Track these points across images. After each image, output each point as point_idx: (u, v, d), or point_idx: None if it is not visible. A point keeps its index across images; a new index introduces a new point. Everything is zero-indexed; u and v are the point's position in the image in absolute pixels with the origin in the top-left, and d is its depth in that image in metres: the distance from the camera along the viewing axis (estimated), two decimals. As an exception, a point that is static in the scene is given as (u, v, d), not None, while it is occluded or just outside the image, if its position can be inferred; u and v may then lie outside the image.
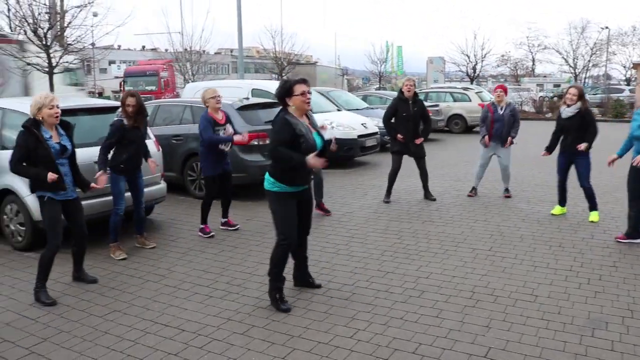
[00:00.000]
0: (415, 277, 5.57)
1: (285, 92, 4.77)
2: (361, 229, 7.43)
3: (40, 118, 5.09)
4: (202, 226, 7.27)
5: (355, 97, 18.35)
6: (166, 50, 35.29)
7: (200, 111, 9.57)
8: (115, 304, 5.06)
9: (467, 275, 5.62)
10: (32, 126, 5.06)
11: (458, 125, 21.22)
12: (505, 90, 9.39)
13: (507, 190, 9.37)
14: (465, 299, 5.03)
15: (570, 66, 51.45)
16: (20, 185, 6.43)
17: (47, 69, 13.98)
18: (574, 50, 51.22)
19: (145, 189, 7.22)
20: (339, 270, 5.81)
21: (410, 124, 8.84)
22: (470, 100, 21.23)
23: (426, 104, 19.28)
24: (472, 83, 38.79)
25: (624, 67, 53.08)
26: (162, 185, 7.69)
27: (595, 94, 38.08)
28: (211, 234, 7.21)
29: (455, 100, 21.72)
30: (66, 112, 6.42)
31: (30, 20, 14.37)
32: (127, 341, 4.32)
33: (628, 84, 45.14)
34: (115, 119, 6.43)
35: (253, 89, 13.27)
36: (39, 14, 14.94)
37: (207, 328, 4.52)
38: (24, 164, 5.12)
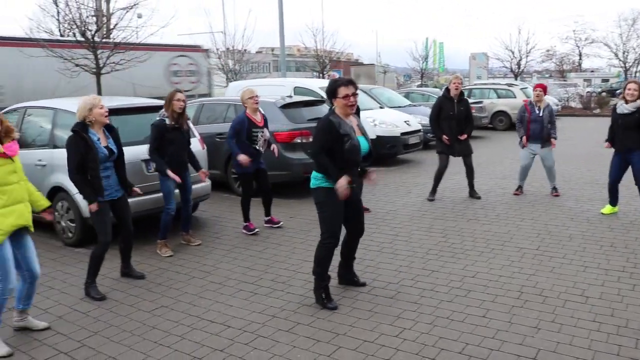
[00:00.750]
0: (461, 276, 5.50)
1: (332, 92, 4.78)
2: (405, 227, 7.37)
3: (92, 119, 5.20)
4: (245, 224, 7.34)
5: (397, 95, 18.22)
6: (210, 49, 35.80)
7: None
8: (162, 300, 5.15)
9: (515, 275, 5.51)
10: (81, 130, 5.16)
11: (502, 122, 20.85)
12: (544, 90, 9.10)
13: (554, 189, 9.13)
14: (512, 298, 4.93)
15: (620, 60, 49.87)
16: (70, 183, 6.60)
17: (94, 70, 14.33)
18: (624, 43, 49.64)
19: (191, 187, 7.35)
20: (383, 268, 5.78)
21: (454, 122, 8.70)
22: (514, 97, 20.83)
23: (470, 100, 19.15)
24: (516, 79, 38.04)
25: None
26: (207, 183, 7.78)
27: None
28: (255, 230, 7.27)
29: (499, 97, 21.35)
30: (112, 111, 6.59)
31: (79, 23, 14.77)
32: (174, 336, 4.39)
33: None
34: (158, 118, 6.50)
35: (295, 87, 13.30)
36: (87, 16, 15.35)
37: (252, 325, 4.55)
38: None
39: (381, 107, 14.25)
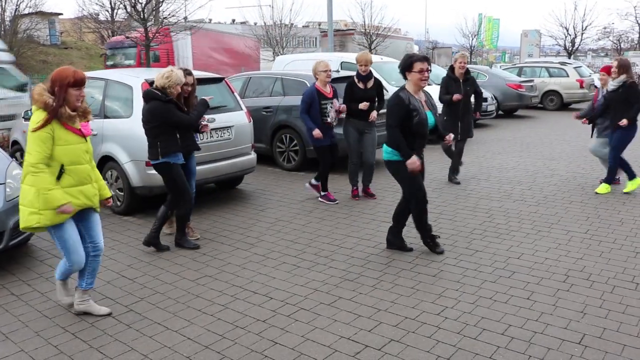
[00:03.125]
0: (505, 257, 5.42)
1: (407, 66, 5.08)
2: (450, 205, 7.29)
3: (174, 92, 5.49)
4: (323, 193, 7.52)
5: (445, 71, 17.88)
6: (255, 23, 35.79)
7: (291, 83, 9.72)
8: (206, 269, 5.25)
9: (561, 258, 5.39)
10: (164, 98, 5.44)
11: (553, 101, 20.28)
12: (609, 72, 8.23)
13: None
14: (558, 282, 4.84)
15: (683, 38, 47.60)
16: (119, 152, 6.78)
17: (143, 43, 14.56)
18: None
19: (236, 159, 7.43)
20: (424, 247, 5.73)
21: (460, 103, 8.18)
22: (567, 76, 20.21)
23: (520, 79, 18.61)
24: (569, 57, 36.84)
25: None
26: (252, 156, 7.84)
27: None
28: (335, 201, 7.47)
29: (551, 76, 20.72)
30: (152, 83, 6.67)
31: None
32: (217, 305, 4.48)
33: None
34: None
35: (342, 62, 13.23)
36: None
37: (294, 297, 4.60)
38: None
39: (428, 84, 14.00)
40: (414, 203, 5.34)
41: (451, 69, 8.47)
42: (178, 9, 17.25)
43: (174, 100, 5.53)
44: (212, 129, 6.80)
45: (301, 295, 4.65)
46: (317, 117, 7.16)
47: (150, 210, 6.09)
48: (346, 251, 5.64)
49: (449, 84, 8.30)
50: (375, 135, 7.64)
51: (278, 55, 25.44)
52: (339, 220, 6.68)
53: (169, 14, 16.63)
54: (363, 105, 7.23)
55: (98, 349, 3.84)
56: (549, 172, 9.23)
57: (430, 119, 5.15)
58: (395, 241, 5.62)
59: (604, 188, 7.85)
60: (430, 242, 5.50)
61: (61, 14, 35.93)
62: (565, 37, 39.85)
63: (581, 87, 19.87)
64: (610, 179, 7.89)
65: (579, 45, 41.45)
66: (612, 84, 7.51)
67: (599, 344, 3.81)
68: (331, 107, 7.18)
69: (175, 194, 5.66)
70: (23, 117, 8.81)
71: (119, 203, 7.04)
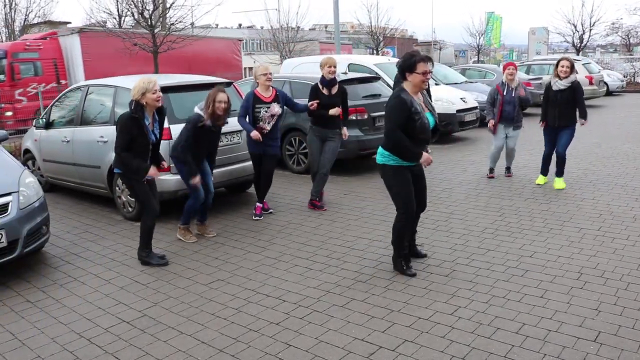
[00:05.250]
0: (518, 256, 5.40)
1: (408, 67, 4.74)
2: (461, 205, 7.28)
3: (144, 103, 5.28)
4: (259, 204, 7.17)
5: (453, 71, 17.86)
6: (262, 27, 35.93)
7: (299, 86, 9.74)
8: (218, 274, 5.26)
9: (574, 256, 5.36)
10: (138, 114, 5.26)
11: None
12: (516, 68, 8.71)
13: (508, 169, 8.92)
14: (572, 280, 4.81)
15: (692, 33, 47.21)
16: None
17: (152, 49, 14.64)
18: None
19: (246, 163, 7.45)
20: (438, 246, 5.73)
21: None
22: (577, 73, 20.08)
23: (528, 77, 18.53)
24: (578, 54, 36.64)
25: None
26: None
27: None
28: (269, 210, 7.28)
29: (559, 73, 20.60)
30: (167, 89, 6.72)
31: (137, 2, 15.07)
32: (230, 309, 4.49)
33: None
34: (197, 112, 6.14)
35: (350, 63, 13.24)
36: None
37: (307, 299, 4.61)
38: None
39: (437, 84, 14.01)
40: (399, 214, 5.01)
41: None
42: (185, 15, 17.32)
43: (138, 118, 5.26)
44: (222, 133, 6.81)
45: (314, 297, 4.65)
46: (251, 121, 6.86)
47: (162, 216, 6.12)
48: (358, 253, 5.64)
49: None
50: (338, 145, 7.44)
51: (285, 58, 25.50)
52: (350, 222, 6.68)
53: (176, 20, 16.72)
54: (334, 111, 7.08)
55: (113, 354, 3.86)
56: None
57: (431, 121, 4.90)
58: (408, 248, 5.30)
59: (560, 183, 7.99)
60: (404, 263, 5.12)
61: (69, 22, 36.20)
62: (573, 33, 39.65)
63: (590, 83, 19.72)
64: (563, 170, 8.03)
65: (588, 41, 41.23)
66: (562, 83, 7.55)
67: (615, 342, 3.79)
68: (265, 112, 6.85)
69: (140, 204, 5.58)
70: (34, 126, 8.89)
71: (130, 209, 7.08)
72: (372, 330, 4.05)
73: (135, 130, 5.27)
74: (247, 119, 6.90)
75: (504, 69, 8.80)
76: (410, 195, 4.94)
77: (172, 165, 6.54)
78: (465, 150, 11.50)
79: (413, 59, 4.71)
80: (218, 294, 4.80)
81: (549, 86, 7.81)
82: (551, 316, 4.17)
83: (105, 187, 7.36)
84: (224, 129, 6.59)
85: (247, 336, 4.04)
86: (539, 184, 8.16)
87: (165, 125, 6.04)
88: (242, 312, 4.44)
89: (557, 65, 7.74)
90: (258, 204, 7.17)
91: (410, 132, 4.70)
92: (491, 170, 8.96)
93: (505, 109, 8.47)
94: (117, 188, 7.19)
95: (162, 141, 5.79)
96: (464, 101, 12.75)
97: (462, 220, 6.62)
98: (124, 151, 5.31)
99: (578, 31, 39.38)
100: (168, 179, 6.64)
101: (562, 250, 5.51)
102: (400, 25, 43.49)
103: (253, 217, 7.09)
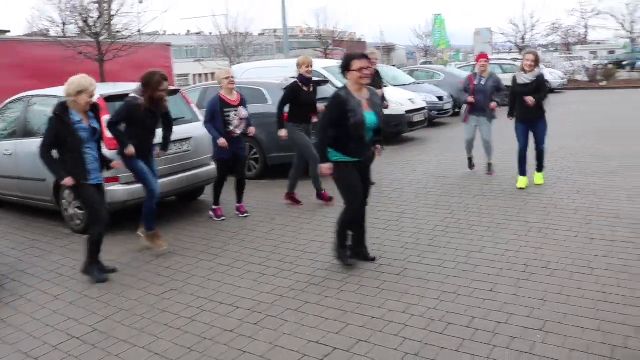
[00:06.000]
0: (467, 252, 5.51)
1: (345, 65, 4.95)
2: (411, 204, 7.39)
3: (73, 101, 5.11)
4: (214, 207, 7.27)
5: (402, 73, 18.13)
6: (211, 33, 35.66)
7: (247, 92, 9.69)
8: (171, 283, 5.20)
9: (521, 249, 5.52)
10: (62, 113, 5.11)
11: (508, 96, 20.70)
12: (487, 60, 9.03)
13: (489, 166, 9.03)
14: (519, 272, 4.95)
15: (627, 31, 49.23)
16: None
17: (97, 57, 14.34)
18: (631, 13, 48.92)
19: (196, 171, 7.39)
20: (390, 245, 5.80)
21: None
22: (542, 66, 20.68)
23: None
24: (521, 53, 37.69)
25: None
26: (213, 166, 7.79)
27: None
28: (222, 217, 7.21)
29: (504, 72, 21.18)
30: (111, 98, 6.61)
31: (80, 10, 14.76)
32: (184, 318, 4.44)
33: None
34: (131, 95, 5.94)
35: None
36: (88, 2, 15.34)
37: (261, 305, 4.60)
38: (54, 150, 5.20)
39: (385, 86, 14.17)
40: (346, 207, 5.16)
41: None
42: (131, 22, 17.05)
43: (63, 117, 5.10)
44: (172, 141, 6.73)
45: (267, 302, 4.64)
46: (220, 126, 6.90)
47: (112, 226, 5.99)
48: (311, 256, 5.66)
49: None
50: None
51: (234, 64, 25.39)
52: (303, 226, 6.70)
53: (122, 28, 16.48)
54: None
55: (63, 371, 3.77)
56: (505, 167, 9.41)
57: (371, 119, 4.96)
58: (357, 249, 5.42)
59: (540, 178, 8.16)
60: (345, 251, 5.32)
61: (9, 31, 35.09)
62: (516, 33, 40.82)
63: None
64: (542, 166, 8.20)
65: (529, 41, 42.49)
66: (527, 77, 7.72)
67: (560, 329, 3.91)
68: (235, 115, 6.93)
69: (87, 212, 5.40)
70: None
71: (78, 222, 6.92)
72: (326, 332, 4.07)
73: (61, 129, 5.10)
74: (216, 124, 6.94)
75: (477, 60, 9.11)
76: (356, 188, 5.09)
77: (121, 175, 6.43)
78: (415, 150, 11.69)
79: (349, 58, 4.92)
80: (171, 304, 4.73)
81: (514, 80, 7.97)
82: (500, 308, 4.28)
83: (52, 200, 7.17)
84: (172, 137, 6.52)
85: (201, 345, 4.00)
86: (521, 188, 7.91)
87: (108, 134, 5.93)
88: (196, 320, 4.40)
89: (523, 58, 8.02)
90: (214, 206, 7.25)
91: (344, 129, 4.87)
92: (470, 160, 9.16)
93: (477, 98, 8.73)
94: (63, 201, 7.01)
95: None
96: (412, 102, 12.95)
97: (413, 219, 6.72)
98: (47, 152, 5.15)
99: (520, 31, 40.57)
100: (116, 190, 6.52)
101: (510, 245, 5.66)
102: (349, 29, 43.88)
103: (214, 218, 7.18)
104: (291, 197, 7.76)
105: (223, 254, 5.90)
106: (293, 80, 8.96)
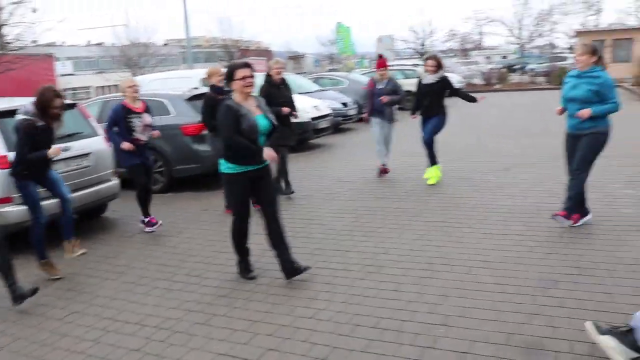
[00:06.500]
0: (372, 254, 5.66)
1: (229, 76, 4.98)
2: (318, 210, 7.49)
3: None
4: (145, 219, 7.13)
5: (307, 80, 18.33)
6: (113, 44, 34.58)
7: (150, 104, 9.46)
8: (73, 305, 4.98)
9: (423, 248, 5.73)
10: None
11: (411, 101, 21.25)
12: (386, 66, 9.31)
13: (383, 166, 9.36)
14: (422, 270, 5.14)
15: (516, 37, 52.33)
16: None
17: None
18: (519, 21, 52.09)
19: (97, 187, 7.15)
20: (297, 253, 5.79)
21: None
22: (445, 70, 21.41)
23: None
24: (421, 59, 39.11)
25: (567, 35, 54.37)
26: (115, 182, 7.57)
27: (542, 63, 39.05)
28: (159, 223, 7.13)
29: (406, 77, 21.87)
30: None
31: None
32: (87, 342, 4.27)
33: (571, 52, 46.21)
34: (21, 117, 5.55)
35: (203, 78, 13.10)
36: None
37: (168, 321, 4.50)
38: None
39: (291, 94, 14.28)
40: (233, 219, 5.20)
41: (268, 76, 8.11)
42: (24, 32, 16.19)
43: None
44: (68, 158, 6.49)
45: (175, 318, 4.56)
46: (124, 133, 6.80)
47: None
48: (218, 267, 5.61)
49: (270, 91, 7.87)
50: None
51: (137, 75, 24.73)
52: (209, 238, 6.63)
53: (13, 38, 15.61)
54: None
55: (-48, 408, 3.53)
56: (409, 168, 9.75)
57: (264, 123, 5.00)
58: (286, 265, 5.16)
59: (433, 172, 8.60)
60: (244, 266, 5.34)
61: None
62: (416, 40, 42.36)
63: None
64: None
65: (429, 47, 44.21)
66: (431, 78, 8.36)
67: (461, 322, 4.10)
68: (139, 122, 6.83)
69: None
70: None
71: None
72: (235, 343, 4.05)
73: None
74: (119, 132, 6.80)
75: (377, 67, 9.40)
76: (242, 201, 5.14)
77: (14, 195, 6.09)
78: (321, 157, 11.85)
79: (232, 68, 5.00)
80: (73, 328, 4.54)
81: (419, 81, 8.66)
82: (404, 307, 4.42)
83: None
84: (70, 153, 6.28)
85: (105, 367, 3.87)
86: (430, 183, 8.46)
87: (2, 152, 5.63)
88: (101, 342, 4.24)
89: (425, 62, 8.74)
90: (145, 218, 7.12)
91: (239, 134, 4.90)
92: (383, 165, 9.38)
93: (376, 101, 9.09)
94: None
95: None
96: (317, 109, 13.12)
97: (320, 225, 6.81)
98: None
99: (420, 38, 42.13)
100: (9, 211, 6.18)
101: (413, 244, 5.86)
102: (255, 37, 43.91)
103: (145, 230, 7.03)
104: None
105: (129, 272, 5.73)
106: (196, 90, 8.89)
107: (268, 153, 4.92)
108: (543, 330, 3.91)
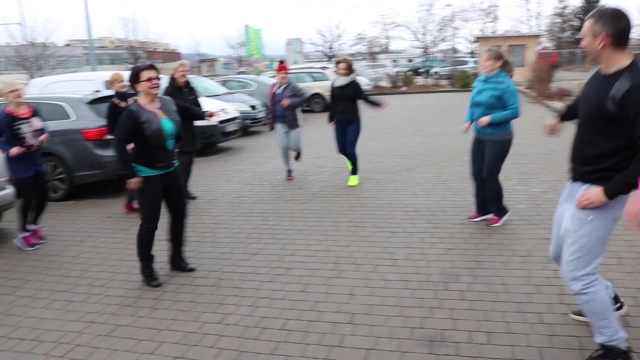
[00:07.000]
0: (280, 256, 5.67)
1: (134, 78, 4.93)
2: (226, 214, 7.42)
3: None
4: (22, 236, 6.64)
5: (214, 83, 18.10)
6: (7, 43, 32.66)
7: (47, 107, 9.03)
8: (-38, 324, 4.67)
9: (330, 248, 5.81)
10: None
11: (318, 104, 21.62)
12: (286, 71, 9.29)
13: (289, 172, 9.40)
14: (329, 270, 5.21)
15: (420, 41, 54.25)
16: None
17: None
18: (423, 26, 54.07)
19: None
20: (204, 257, 5.77)
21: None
22: (328, 79, 21.72)
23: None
24: (329, 62, 39.69)
25: (468, 40, 57.04)
26: (9, 190, 7.14)
27: (444, 67, 40.68)
28: (36, 244, 6.67)
29: (314, 80, 22.12)
30: None
31: None
32: (-22, 362, 4.03)
33: (472, 56, 48.47)
34: None
35: (106, 80, 12.65)
36: None
37: (68, 335, 4.31)
38: None
39: (197, 97, 14.06)
40: (142, 224, 5.15)
41: (172, 79, 8.03)
42: None
43: None
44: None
45: (76, 331, 4.37)
46: (12, 142, 6.35)
47: None
48: (123, 276, 5.43)
49: (173, 94, 7.66)
50: None
51: (34, 77, 23.51)
52: (113, 246, 6.41)
53: None
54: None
55: None
56: (317, 170, 9.87)
57: (169, 127, 5.00)
58: (174, 261, 5.50)
59: (354, 179, 8.69)
60: (149, 274, 5.24)
61: None
62: (324, 43, 42.89)
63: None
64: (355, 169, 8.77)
65: (337, 50, 44.91)
66: (342, 80, 8.40)
67: (367, 320, 4.19)
68: (28, 128, 6.44)
69: None
70: None
71: None
72: (140, 353, 3.94)
73: None
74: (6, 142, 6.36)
75: (277, 71, 9.30)
76: (154, 206, 5.10)
77: None
78: (230, 160, 11.74)
79: (136, 70, 4.96)
80: (-39, 349, 4.26)
81: (332, 85, 8.59)
82: (312, 308, 4.47)
83: None
84: None
85: (-2, 387, 3.66)
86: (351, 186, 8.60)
87: None
88: (-8, 362, 4.01)
89: (335, 66, 8.69)
90: (26, 233, 6.63)
91: (144, 140, 4.90)
92: (288, 172, 9.35)
93: (277, 107, 9.05)
94: None
95: None
96: (225, 112, 12.98)
97: (227, 228, 6.75)
98: None
99: (328, 41, 42.70)
100: None
101: (320, 245, 5.93)
102: (161, 39, 42.87)
103: (25, 248, 6.54)
104: (130, 207, 7.76)
105: (25, 285, 5.43)
106: (98, 92, 8.60)
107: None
108: (444, 323, 4.07)
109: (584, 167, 3.26)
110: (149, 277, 5.20)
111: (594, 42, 3.08)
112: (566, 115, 3.98)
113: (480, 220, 6.36)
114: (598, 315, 3.33)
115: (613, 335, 3.33)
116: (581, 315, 3.95)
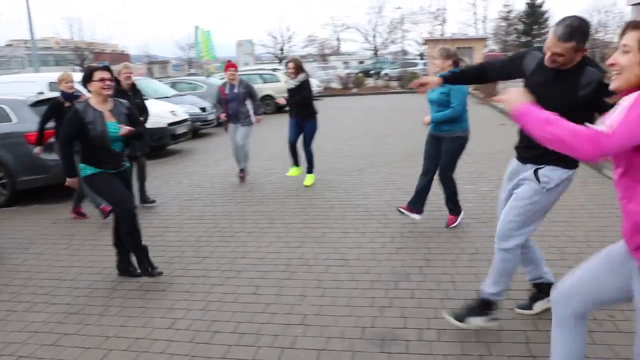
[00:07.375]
0: (231, 259, 5.63)
1: (87, 78, 4.93)
2: (176, 217, 7.32)
3: None
4: None
5: (163, 85, 17.84)
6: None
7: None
8: None
9: (282, 249, 5.80)
10: None
11: (270, 105, 21.55)
12: (236, 68, 9.14)
13: (242, 170, 9.32)
14: (280, 272, 5.20)
15: (370, 43, 54.73)
16: None
17: None
18: (373, 28, 54.60)
19: None
20: (154, 262, 5.61)
21: None
22: (279, 81, 21.71)
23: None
24: (280, 63, 39.66)
25: (417, 43, 57.93)
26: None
27: (395, 69, 41.25)
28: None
29: (265, 82, 22.06)
30: None
31: None
32: None
33: (421, 58, 49.27)
34: None
35: (50, 82, 12.29)
36: None
37: (10, 347, 4.15)
38: None
39: (145, 99, 13.82)
40: (116, 214, 5.19)
41: (117, 81, 7.59)
42: None
43: None
44: None
45: (19, 342, 4.21)
46: None
47: None
48: (68, 283, 5.28)
49: (118, 97, 7.64)
50: None
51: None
52: (59, 252, 6.22)
53: None
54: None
55: None
56: (268, 172, 9.84)
57: (115, 129, 4.96)
58: (123, 267, 5.39)
59: (310, 179, 8.72)
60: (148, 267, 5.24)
61: None
62: (275, 45, 42.83)
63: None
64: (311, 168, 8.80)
65: (288, 52, 44.91)
66: (292, 82, 8.45)
67: (318, 321, 4.20)
68: None
69: None
70: None
71: None
72: (86, 362, 3.85)
73: None
74: None
75: (225, 69, 9.09)
76: (115, 190, 5.04)
77: None
78: (180, 163, 11.58)
79: (90, 69, 4.96)
80: None
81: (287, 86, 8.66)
82: (263, 310, 4.45)
83: None
84: None
85: None
86: (290, 175, 8.83)
87: None
88: None
89: (286, 66, 8.70)
90: None
91: (88, 141, 4.89)
92: (241, 170, 9.27)
93: (230, 106, 8.92)
94: None
95: None
96: (174, 114, 12.82)
97: (178, 232, 6.66)
98: None
99: (279, 43, 42.65)
100: None
101: (272, 247, 5.91)
102: (109, 40, 41.97)
103: None
104: (77, 212, 7.61)
105: (-37, 296, 5.22)
106: (42, 94, 8.37)
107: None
108: (395, 322, 4.12)
109: (538, 151, 3.31)
110: (127, 267, 5.31)
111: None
112: (460, 79, 4.23)
113: (404, 215, 6.37)
114: (506, 274, 3.76)
115: (500, 293, 3.82)
116: (526, 309, 4.10)
